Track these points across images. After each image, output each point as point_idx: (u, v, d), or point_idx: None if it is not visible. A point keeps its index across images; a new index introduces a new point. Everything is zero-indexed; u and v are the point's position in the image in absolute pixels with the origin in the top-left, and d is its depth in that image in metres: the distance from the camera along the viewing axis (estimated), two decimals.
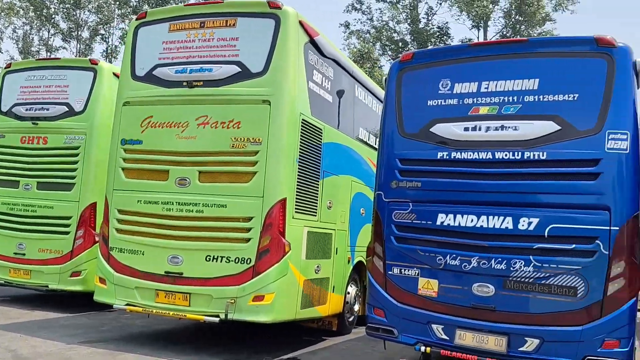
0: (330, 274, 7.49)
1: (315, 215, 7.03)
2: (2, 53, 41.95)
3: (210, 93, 6.64)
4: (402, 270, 5.64)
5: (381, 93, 10.25)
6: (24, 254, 8.87)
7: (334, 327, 8.07)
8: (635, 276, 4.83)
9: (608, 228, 4.85)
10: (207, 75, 6.67)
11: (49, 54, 40.04)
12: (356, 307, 8.53)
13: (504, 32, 34.64)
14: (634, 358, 4.85)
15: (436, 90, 5.74)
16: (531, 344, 5.00)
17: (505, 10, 35.11)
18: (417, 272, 5.57)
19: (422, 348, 5.41)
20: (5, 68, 9.92)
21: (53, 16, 40.69)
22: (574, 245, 4.95)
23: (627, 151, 4.91)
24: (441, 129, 5.61)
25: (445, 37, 36.60)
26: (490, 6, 34.14)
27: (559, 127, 5.12)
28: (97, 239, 8.10)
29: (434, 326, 5.41)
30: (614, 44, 5.08)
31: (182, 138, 6.62)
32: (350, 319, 8.40)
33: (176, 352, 6.49)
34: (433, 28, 37.24)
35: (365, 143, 9.00)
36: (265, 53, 6.49)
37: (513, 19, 34.67)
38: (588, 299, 4.86)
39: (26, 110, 9.25)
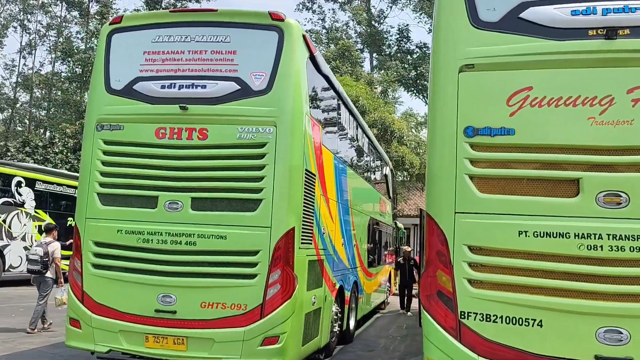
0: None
1: None
2: None
3: None
4: None
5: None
6: (173, 312, 5.62)
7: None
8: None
9: None
10: None
11: None
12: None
13: None
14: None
15: None
16: None
17: None
18: None
19: None
20: (110, 24, 6.43)
21: None
22: None
23: None
24: None
25: None
26: None
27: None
28: (296, 283, 5.68)
29: None
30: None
31: (602, 123, 4.00)
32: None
33: None
34: None
35: None
36: None
37: None
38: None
39: (162, 87, 5.98)
